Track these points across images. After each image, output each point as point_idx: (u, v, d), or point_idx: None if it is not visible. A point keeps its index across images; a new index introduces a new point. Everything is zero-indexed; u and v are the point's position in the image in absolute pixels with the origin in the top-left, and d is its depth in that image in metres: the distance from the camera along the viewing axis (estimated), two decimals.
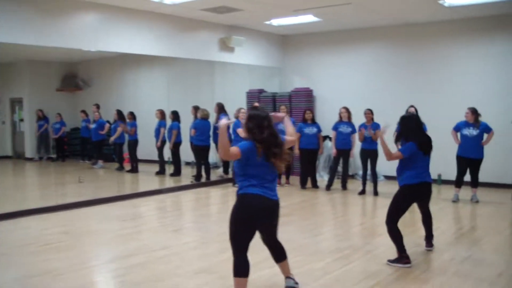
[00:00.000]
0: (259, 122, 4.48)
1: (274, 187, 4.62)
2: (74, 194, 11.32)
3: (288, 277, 5.05)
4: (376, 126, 10.63)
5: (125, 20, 10.60)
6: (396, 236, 6.03)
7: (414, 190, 6.14)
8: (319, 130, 11.66)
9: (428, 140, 6.29)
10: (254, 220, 4.52)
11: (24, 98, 17.62)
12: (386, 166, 12.24)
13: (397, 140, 6.48)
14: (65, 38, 9.75)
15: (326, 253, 6.52)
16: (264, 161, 4.44)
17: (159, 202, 10.62)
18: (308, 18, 11.68)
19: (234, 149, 4.42)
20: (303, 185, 11.68)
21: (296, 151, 11.68)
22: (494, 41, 11.62)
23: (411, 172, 6.08)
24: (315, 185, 11.78)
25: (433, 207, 6.69)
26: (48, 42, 9.64)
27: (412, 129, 6.22)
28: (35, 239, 7.44)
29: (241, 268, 4.52)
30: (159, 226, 8.50)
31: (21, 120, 17.76)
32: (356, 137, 11.05)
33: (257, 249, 4.85)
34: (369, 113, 10.82)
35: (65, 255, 6.55)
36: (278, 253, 4.97)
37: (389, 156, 6.14)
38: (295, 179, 12.37)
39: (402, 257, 5.96)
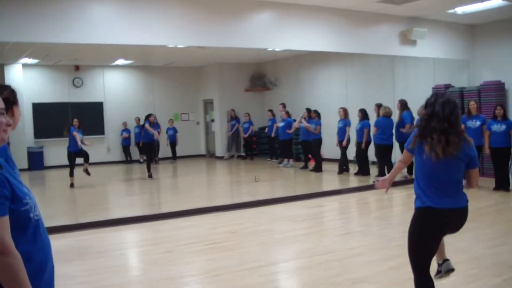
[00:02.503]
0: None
1: None
2: (252, 193, 11.49)
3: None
4: None
5: (300, 17, 10.44)
6: None
7: None
8: (510, 127, 10.51)
9: None
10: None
11: (215, 99, 18.38)
12: None
13: None
14: (243, 39, 9.92)
15: (505, 268, 5.70)
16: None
17: (335, 203, 10.31)
18: (495, 2, 10.53)
19: None
20: (497, 187, 10.63)
21: (487, 150, 10.71)
22: None
23: None
24: (507, 188, 10.67)
25: None
26: (226, 43, 9.87)
27: None
28: (202, 237, 7.56)
29: None
30: (329, 228, 8.20)
31: (212, 120, 18.53)
32: None
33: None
34: None
35: (227, 255, 6.53)
36: None
37: None
38: (486, 181, 11.25)
39: None
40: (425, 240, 3.89)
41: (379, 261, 6.13)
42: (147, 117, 13.86)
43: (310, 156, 15.12)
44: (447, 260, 4.39)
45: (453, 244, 4.22)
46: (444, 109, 3.80)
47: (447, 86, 13.26)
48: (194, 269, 6.09)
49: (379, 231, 7.81)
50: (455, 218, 3.91)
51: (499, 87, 12.45)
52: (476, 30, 13.28)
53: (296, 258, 6.41)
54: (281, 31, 10.29)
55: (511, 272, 5.55)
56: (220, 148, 18.55)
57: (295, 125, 14.85)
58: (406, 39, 11.84)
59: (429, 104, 3.91)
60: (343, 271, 5.75)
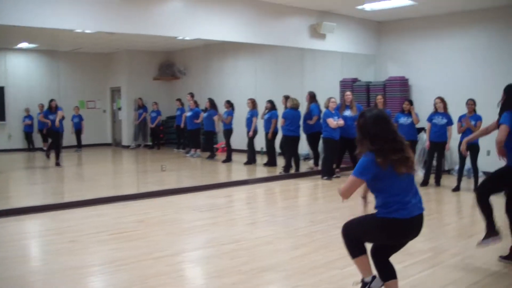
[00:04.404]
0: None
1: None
2: (158, 182, 11.41)
3: None
4: (477, 118, 9.85)
5: (211, 6, 10.42)
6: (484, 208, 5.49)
7: None
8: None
9: None
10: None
11: (123, 87, 18.04)
12: (486, 161, 11.42)
13: (501, 112, 5.57)
14: (154, 26, 9.77)
15: (405, 255, 5.90)
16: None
17: (243, 193, 10.38)
18: (403, 1, 10.96)
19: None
20: None
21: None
22: None
23: None
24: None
25: None
26: (135, 30, 9.69)
27: None
28: (108, 227, 7.41)
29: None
30: (236, 218, 8.25)
31: (119, 108, 18.19)
32: (452, 129, 10.29)
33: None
34: (471, 103, 10.03)
35: (133, 245, 6.44)
36: (390, 270, 4.24)
37: (500, 137, 5.33)
38: None
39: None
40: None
41: (285, 250, 6.24)
42: (50, 102, 13.44)
43: (217, 146, 15.18)
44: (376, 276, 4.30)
45: None
46: (377, 126, 3.95)
47: (354, 80, 13.66)
48: (98, 259, 5.95)
49: (286, 221, 7.93)
50: (418, 225, 4.00)
51: (403, 82, 12.96)
52: (383, 26, 13.75)
53: (203, 248, 6.42)
54: (192, 20, 10.22)
55: (411, 259, 5.78)
56: (126, 137, 18.23)
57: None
58: (316, 32, 12.08)
59: (362, 125, 4.00)
60: (250, 260, 5.80)
